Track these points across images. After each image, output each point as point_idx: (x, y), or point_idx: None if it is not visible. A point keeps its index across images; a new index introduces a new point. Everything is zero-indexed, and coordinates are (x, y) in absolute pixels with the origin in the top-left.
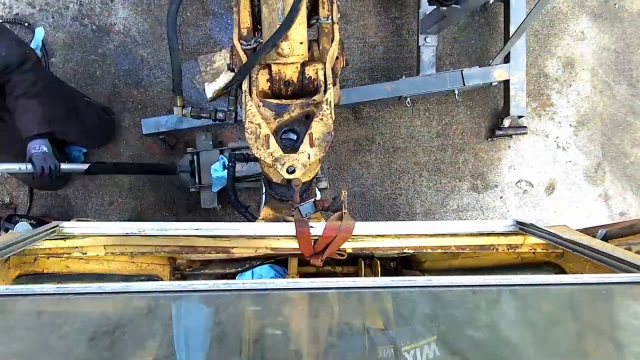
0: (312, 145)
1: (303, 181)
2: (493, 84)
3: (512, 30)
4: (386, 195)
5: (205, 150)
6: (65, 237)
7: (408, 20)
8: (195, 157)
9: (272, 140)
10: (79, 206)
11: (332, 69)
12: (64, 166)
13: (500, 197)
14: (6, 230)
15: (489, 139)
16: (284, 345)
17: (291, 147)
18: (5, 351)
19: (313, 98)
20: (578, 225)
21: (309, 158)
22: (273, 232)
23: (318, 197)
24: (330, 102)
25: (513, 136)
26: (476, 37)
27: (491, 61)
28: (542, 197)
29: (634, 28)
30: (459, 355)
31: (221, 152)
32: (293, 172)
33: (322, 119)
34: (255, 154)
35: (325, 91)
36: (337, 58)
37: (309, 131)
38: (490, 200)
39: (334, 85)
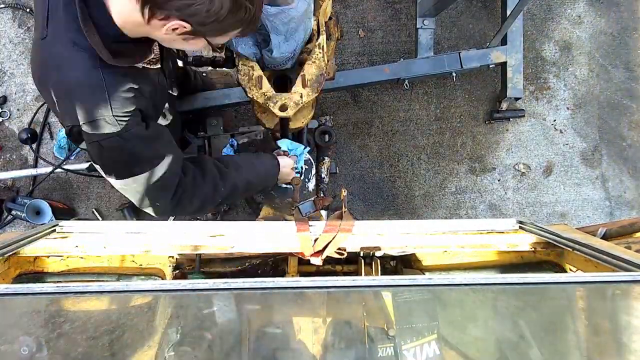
0: (304, 86)
1: (295, 126)
2: (490, 66)
3: (508, 12)
4: (385, 178)
5: (216, 135)
6: (65, 237)
7: (407, 4)
8: (206, 141)
9: (265, 80)
10: (80, 189)
11: (328, 38)
12: (65, 167)
13: (498, 180)
14: (9, 211)
15: (487, 122)
16: (284, 344)
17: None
18: (5, 351)
19: (306, 46)
20: (575, 207)
21: (301, 97)
22: (273, 231)
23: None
24: (322, 46)
25: (511, 119)
26: (474, 21)
27: (489, 43)
28: (540, 180)
29: (630, 12)
30: (459, 354)
31: (232, 137)
32: (285, 110)
33: (314, 62)
34: (248, 95)
35: (317, 38)
36: (332, 23)
37: (302, 73)
38: (488, 182)
39: (329, 60)
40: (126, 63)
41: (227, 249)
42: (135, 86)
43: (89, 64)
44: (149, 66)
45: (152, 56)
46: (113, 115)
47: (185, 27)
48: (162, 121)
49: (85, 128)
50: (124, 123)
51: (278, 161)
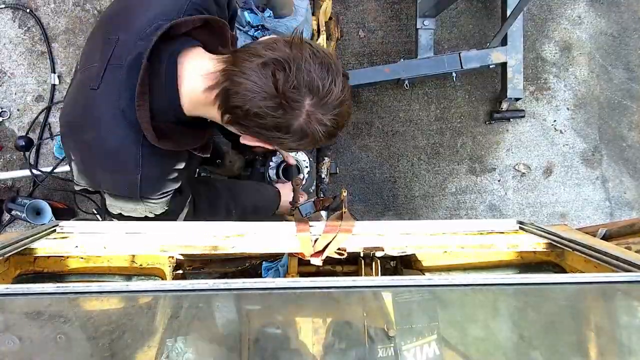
0: None
1: None
2: (491, 66)
3: (509, 12)
4: (385, 178)
5: (216, 135)
6: (65, 237)
7: (407, 5)
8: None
9: None
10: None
11: (328, 38)
12: (64, 168)
13: (498, 180)
14: (9, 212)
15: (487, 123)
16: (284, 345)
17: None
18: (5, 351)
19: None
20: (575, 208)
21: None
22: (273, 232)
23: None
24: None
25: (511, 120)
26: (474, 22)
27: (489, 44)
28: (540, 180)
29: (630, 12)
30: (459, 354)
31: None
32: None
33: None
34: None
35: (317, 38)
36: (332, 23)
37: None
38: (488, 183)
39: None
40: (171, 147)
41: (228, 249)
42: (176, 168)
43: (131, 137)
44: (195, 152)
45: (199, 146)
46: (140, 197)
47: (259, 142)
48: None
49: (106, 196)
50: (150, 205)
51: (279, 191)
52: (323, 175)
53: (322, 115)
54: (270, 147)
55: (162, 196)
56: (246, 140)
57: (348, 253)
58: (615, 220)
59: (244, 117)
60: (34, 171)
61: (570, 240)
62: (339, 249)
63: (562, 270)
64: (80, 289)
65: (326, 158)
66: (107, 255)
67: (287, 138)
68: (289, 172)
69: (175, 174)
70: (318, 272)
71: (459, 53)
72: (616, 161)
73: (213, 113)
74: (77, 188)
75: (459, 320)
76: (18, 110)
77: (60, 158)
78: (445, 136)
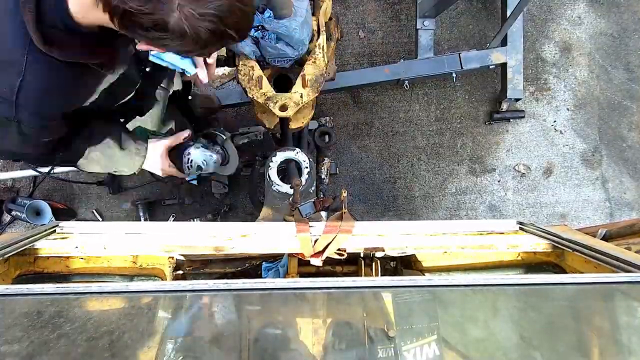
0: (304, 85)
1: (295, 126)
2: (490, 67)
3: (509, 13)
4: (385, 179)
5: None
6: (65, 237)
7: (407, 5)
8: None
9: (265, 80)
10: (80, 190)
11: (328, 39)
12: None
13: (498, 181)
14: (9, 212)
15: (487, 123)
16: (284, 345)
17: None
18: (6, 351)
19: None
20: (575, 208)
21: (301, 97)
22: (273, 232)
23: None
24: (322, 46)
25: (511, 120)
26: (474, 22)
27: (489, 44)
28: (540, 181)
29: (630, 13)
30: (459, 354)
31: (232, 137)
32: (285, 110)
33: (314, 62)
34: (249, 95)
35: (317, 38)
36: (332, 24)
37: (302, 73)
38: (488, 183)
39: (329, 61)
40: (58, 55)
41: (229, 249)
42: (67, 90)
43: (18, 38)
44: (98, 69)
45: (98, 61)
46: (15, 104)
47: (149, 46)
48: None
49: None
50: (24, 121)
51: (146, 147)
52: (323, 176)
53: (196, 9)
54: (160, 50)
55: (37, 118)
56: (141, 46)
57: (348, 253)
58: (615, 220)
59: (124, 18)
60: (32, 172)
61: (570, 241)
62: (339, 249)
63: (562, 270)
64: (80, 289)
65: (326, 158)
66: (107, 256)
67: (167, 37)
68: (289, 172)
69: (61, 100)
70: (318, 273)
71: (459, 53)
72: (616, 162)
73: (106, 18)
74: None
75: (459, 320)
76: None
77: None
78: (445, 137)
